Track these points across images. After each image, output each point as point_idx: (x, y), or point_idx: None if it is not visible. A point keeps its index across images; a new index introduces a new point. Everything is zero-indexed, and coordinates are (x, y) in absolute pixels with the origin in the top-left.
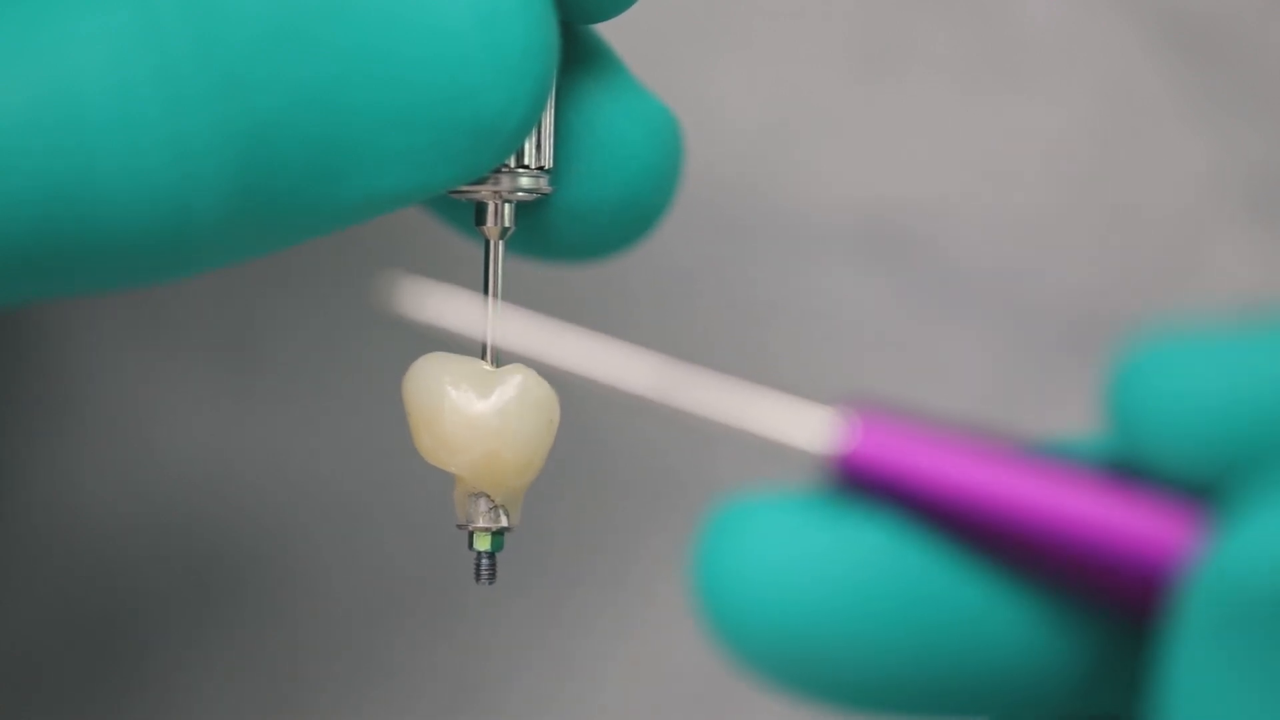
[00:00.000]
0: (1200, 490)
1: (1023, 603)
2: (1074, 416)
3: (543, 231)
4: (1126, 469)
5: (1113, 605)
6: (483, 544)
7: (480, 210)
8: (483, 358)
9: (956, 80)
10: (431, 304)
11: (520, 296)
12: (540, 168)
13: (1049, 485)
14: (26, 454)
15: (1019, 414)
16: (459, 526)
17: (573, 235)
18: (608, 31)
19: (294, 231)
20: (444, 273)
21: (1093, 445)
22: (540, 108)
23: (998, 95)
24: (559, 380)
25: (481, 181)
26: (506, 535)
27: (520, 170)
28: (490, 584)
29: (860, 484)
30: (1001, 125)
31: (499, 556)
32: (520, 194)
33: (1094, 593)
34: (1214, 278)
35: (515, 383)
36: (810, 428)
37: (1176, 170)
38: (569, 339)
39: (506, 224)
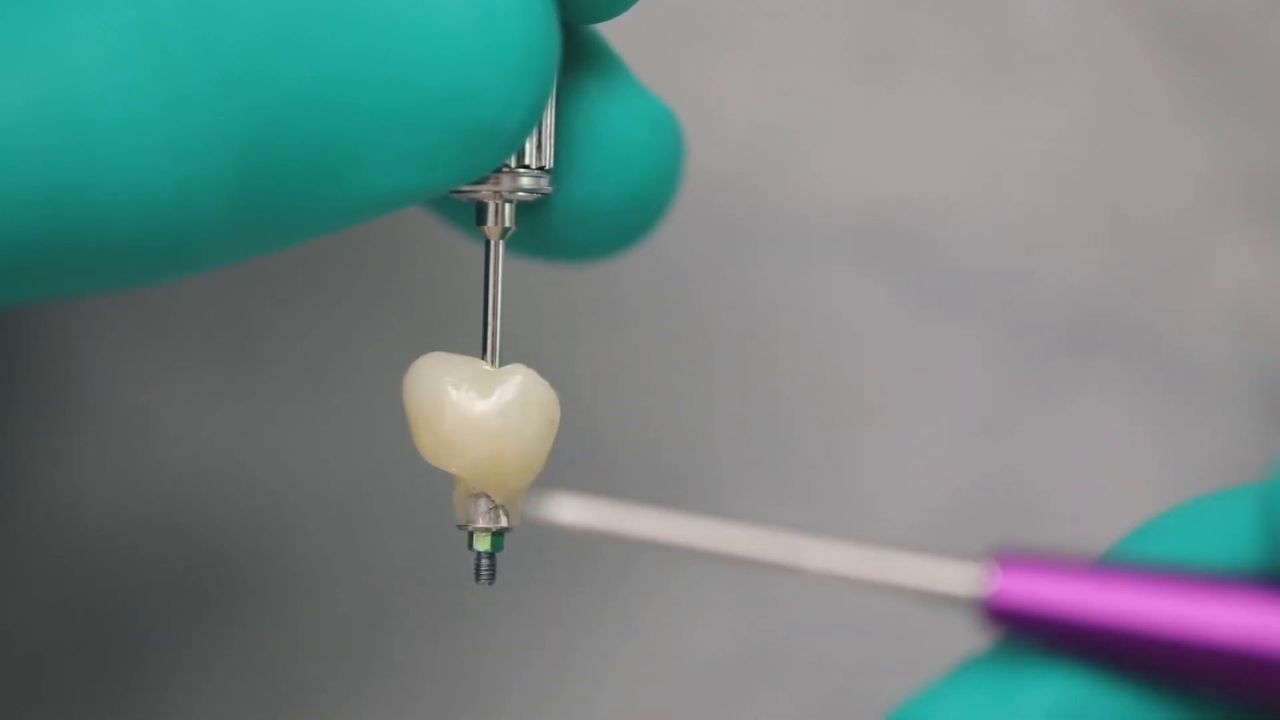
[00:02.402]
0: None
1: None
2: (1074, 417)
3: (543, 231)
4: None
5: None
6: (482, 544)
7: (481, 210)
8: (483, 357)
9: (956, 80)
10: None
11: (520, 296)
12: (541, 167)
13: (1209, 606)
14: (26, 454)
15: (1019, 414)
16: (459, 527)
17: (573, 235)
18: (608, 31)
19: (294, 231)
20: (444, 272)
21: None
22: (541, 108)
23: (998, 95)
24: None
25: (482, 181)
26: (506, 535)
27: (521, 170)
28: (490, 584)
29: (1018, 631)
30: (1001, 125)
31: (499, 556)
32: (521, 194)
33: (1258, 694)
34: (1214, 278)
35: (516, 383)
36: (959, 577)
37: (1176, 170)
38: (714, 528)
39: (507, 224)
